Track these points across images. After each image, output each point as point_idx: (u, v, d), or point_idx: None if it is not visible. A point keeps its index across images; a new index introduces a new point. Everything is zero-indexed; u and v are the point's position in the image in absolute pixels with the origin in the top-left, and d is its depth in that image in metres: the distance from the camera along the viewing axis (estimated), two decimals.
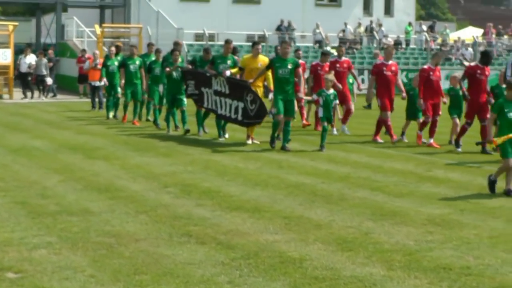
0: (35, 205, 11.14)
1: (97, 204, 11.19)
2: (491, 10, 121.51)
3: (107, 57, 26.11)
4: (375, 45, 46.40)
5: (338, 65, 21.47)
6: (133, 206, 11.06)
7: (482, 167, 15.07)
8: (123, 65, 23.77)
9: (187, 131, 20.12)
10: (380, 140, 19.08)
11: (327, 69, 21.01)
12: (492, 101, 16.75)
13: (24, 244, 8.91)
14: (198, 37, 43.99)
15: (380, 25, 47.87)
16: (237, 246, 8.90)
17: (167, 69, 20.49)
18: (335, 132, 20.40)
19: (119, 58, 25.27)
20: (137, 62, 23.57)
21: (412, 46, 48.52)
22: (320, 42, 44.95)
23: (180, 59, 20.81)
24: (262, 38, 42.31)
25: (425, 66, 18.92)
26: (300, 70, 17.73)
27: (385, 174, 14.20)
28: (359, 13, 50.61)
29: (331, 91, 17.70)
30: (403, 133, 19.22)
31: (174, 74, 20.32)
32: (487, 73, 17.63)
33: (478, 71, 17.55)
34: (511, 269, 8.08)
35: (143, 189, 12.50)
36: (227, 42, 19.85)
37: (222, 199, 11.70)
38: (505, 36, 50.86)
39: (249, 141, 18.28)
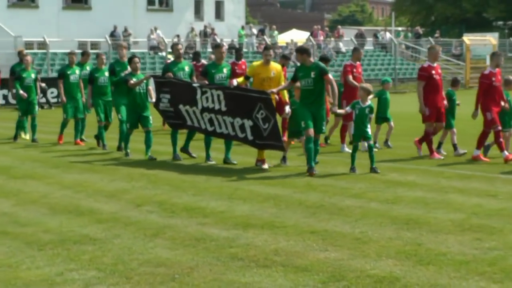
0: (23, 234, 9.85)
1: (92, 230, 10.06)
2: (289, 13, 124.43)
3: (19, 66, 21.22)
4: (209, 49, 45.97)
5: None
6: (135, 230, 10.02)
7: None
8: (63, 75, 19.67)
9: (152, 159, 16.37)
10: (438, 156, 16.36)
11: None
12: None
13: (70, 281, 7.76)
14: (28, 45, 41.89)
15: (212, 29, 47.59)
16: (309, 268, 8.12)
17: (131, 81, 16.43)
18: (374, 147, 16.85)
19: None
20: (77, 72, 19.81)
21: (244, 49, 48.44)
22: (155, 48, 44.04)
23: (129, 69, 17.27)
24: (95, 45, 40.99)
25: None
26: (330, 77, 14.50)
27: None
28: (191, 17, 50.12)
29: (368, 103, 14.66)
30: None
31: (138, 88, 16.63)
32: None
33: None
34: None
35: (120, 209, 11.42)
36: (218, 46, 16.63)
37: (217, 215, 10.82)
38: (332, 39, 51.89)
39: (265, 166, 15.08)
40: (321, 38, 50.51)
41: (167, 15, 49.49)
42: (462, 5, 71.89)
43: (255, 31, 50.47)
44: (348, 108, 15.18)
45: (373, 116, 15.06)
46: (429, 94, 16.11)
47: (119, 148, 17.70)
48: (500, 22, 71.51)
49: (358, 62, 18.37)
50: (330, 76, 14.46)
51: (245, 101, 14.82)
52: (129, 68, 17.24)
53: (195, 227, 10.11)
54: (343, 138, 17.90)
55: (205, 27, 47.94)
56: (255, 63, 15.88)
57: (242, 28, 50.00)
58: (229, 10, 52.49)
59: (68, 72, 19.68)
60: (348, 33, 57.35)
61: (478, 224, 9.90)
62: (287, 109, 15.43)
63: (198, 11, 51.25)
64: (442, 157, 16.19)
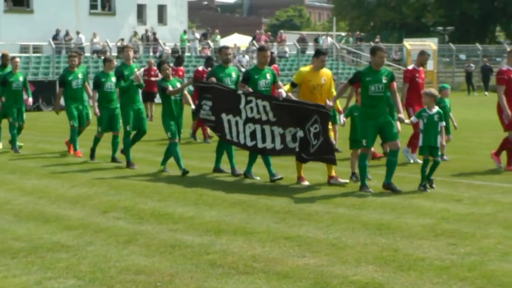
0: None
1: (62, 237, 9.91)
2: (227, 18, 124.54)
3: (2, 70, 19.56)
4: (151, 54, 45.75)
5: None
6: (106, 237, 9.89)
7: None
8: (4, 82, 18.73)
9: (115, 159, 16.37)
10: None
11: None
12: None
13: None
14: None
15: (154, 34, 47.33)
16: (290, 275, 8.08)
17: (170, 88, 14.81)
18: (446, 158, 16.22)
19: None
20: (21, 78, 18.86)
21: (187, 54, 48.34)
22: (99, 52, 43.65)
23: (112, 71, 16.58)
24: (38, 48, 40.50)
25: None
26: (395, 84, 13.18)
27: None
28: (133, 21, 49.78)
29: (435, 109, 13.17)
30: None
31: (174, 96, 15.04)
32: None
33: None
34: None
35: (86, 215, 11.29)
36: (263, 49, 14.56)
37: (187, 221, 10.74)
38: (275, 43, 52.02)
39: (305, 183, 13.76)
40: (264, 42, 50.53)
41: (110, 19, 49.12)
42: (402, 11, 72.84)
43: (197, 35, 50.31)
44: (413, 118, 13.39)
45: (444, 124, 13.26)
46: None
47: (114, 159, 16.68)
48: (440, 28, 72.47)
49: (421, 68, 16.68)
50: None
51: (298, 112, 13.38)
52: (159, 75, 16.51)
53: (167, 233, 10.01)
54: (413, 147, 16.04)
55: (147, 31, 47.61)
56: (304, 69, 14.09)
57: (185, 32, 49.80)
58: (172, 14, 52.33)
59: (11, 80, 18.71)
60: (290, 38, 57.56)
61: (450, 229, 9.98)
62: (342, 119, 14.65)
63: (140, 15, 50.99)
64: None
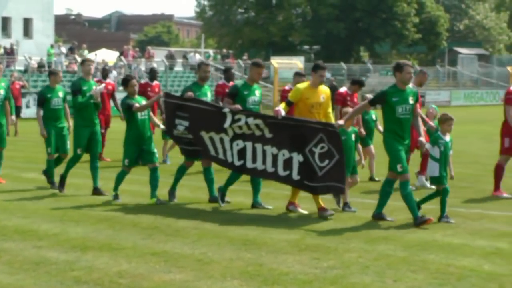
0: None
1: None
2: (95, 33, 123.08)
3: None
4: (16, 67, 44.80)
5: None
6: None
7: None
8: None
9: (161, 203, 13.41)
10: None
11: (355, 99, 15.96)
12: None
13: None
14: None
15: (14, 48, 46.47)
16: None
17: (136, 105, 13.30)
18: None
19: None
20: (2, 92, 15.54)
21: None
22: None
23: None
24: None
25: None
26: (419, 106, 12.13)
27: None
28: None
29: (449, 136, 12.18)
30: None
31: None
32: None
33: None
34: None
35: None
36: (259, 65, 13.14)
37: (52, 238, 10.60)
38: (143, 59, 51.83)
39: (300, 210, 12.61)
40: (132, 58, 50.30)
41: None
42: (269, 29, 73.81)
43: (64, 49, 49.58)
44: (428, 145, 11.97)
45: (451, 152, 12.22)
46: None
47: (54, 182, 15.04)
48: (306, 46, 73.93)
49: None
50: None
51: (300, 130, 12.08)
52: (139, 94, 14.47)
53: (32, 250, 9.85)
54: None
55: (12, 44, 46.60)
56: (301, 86, 12.60)
57: (51, 46, 48.98)
58: (38, 28, 51.38)
59: None
60: (158, 54, 57.48)
61: (313, 244, 10.22)
62: (283, 112, 12.30)
63: (5, 28, 49.83)
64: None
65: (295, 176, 12.14)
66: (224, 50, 65.98)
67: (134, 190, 14.16)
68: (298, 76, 16.75)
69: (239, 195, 13.86)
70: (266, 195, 13.59)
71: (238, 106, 12.52)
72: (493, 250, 9.92)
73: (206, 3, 79.03)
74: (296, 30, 73.91)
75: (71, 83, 14.84)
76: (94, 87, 14.47)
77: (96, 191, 14.31)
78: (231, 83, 16.96)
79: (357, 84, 16.11)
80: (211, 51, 66.24)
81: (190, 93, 13.04)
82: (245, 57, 60.00)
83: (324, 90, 12.53)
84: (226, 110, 12.44)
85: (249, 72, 13.21)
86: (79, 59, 46.96)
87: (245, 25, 76.37)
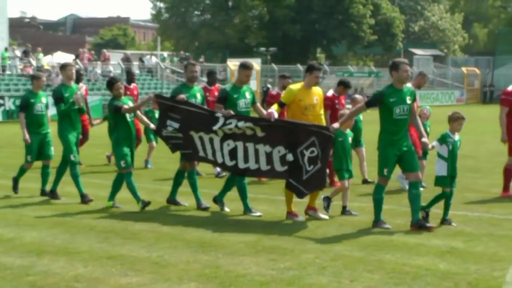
0: None
1: None
2: (51, 36, 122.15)
3: None
4: None
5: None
6: None
7: None
8: None
9: (45, 192, 14.18)
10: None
11: (342, 101, 15.82)
12: None
13: None
14: None
15: None
16: None
17: (125, 106, 13.02)
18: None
19: None
20: None
21: (7, 72, 47.07)
22: None
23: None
24: None
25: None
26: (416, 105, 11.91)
27: None
28: None
29: (457, 136, 11.83)
30: None
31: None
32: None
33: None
34: None
35: None
36: (248, 67, 12.77)
37: (7, 243, 10.56)
38: (99, 62, 51.51)
39: (299, 218, 12.22)
40: (87, 61, 49.97)
41: None
42: (226, 32, 73.81)
43: (18, 53, 49.08)
44: (435, 143, 11.63)
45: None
46: None
47: (44, 192, 14.64)
48: (263, 48, 74.02)
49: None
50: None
51: (293, 131, 11.80)
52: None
53: None
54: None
55: None
56: (294, 87, 12.20)
57: (6, 50, 48.46)
58: None
59: None
60: (114, 57, 57.15)
61: (270, 245, 10.24)
62: (276, 114, 12.02)
63: None
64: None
65: (285, 173, 11.94)
66: (182, 53, 65.81)
67: (92, 194, 14.03)
68: (283, 78, 16.70)
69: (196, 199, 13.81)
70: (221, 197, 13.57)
71: (231, 112, 12.21)
72: (448, 249, 10.01)
73: (162, 5, 78.82)
74: (253, 32, 73.98)
75: (53, 91, 14.36)
76: (78, 92, 13.98)
77: (84, 199, 13.86)
78: (213, 87, 16.85)
79: (342, 85, 15.75)
80: (165, 54, 66.09)
81: (182, 96, 12.69)
82: (201, 60, 59.95)
83: (317, 92, 12.24)
84: (219, 115, 12.19)
85: (237, 75, 12.86)
86: (34, 63, 46.67)
87: (201, 28, 76.31)
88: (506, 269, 8.97)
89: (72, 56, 53.04)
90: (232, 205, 13.18)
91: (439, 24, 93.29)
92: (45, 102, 14.51)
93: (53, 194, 14.23)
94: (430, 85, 70.07)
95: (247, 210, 12.59)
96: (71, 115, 13.97)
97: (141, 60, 57.15)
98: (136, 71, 51.92)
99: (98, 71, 49.33)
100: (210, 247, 10.15)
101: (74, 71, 14.39)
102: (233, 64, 51.91)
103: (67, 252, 9.90)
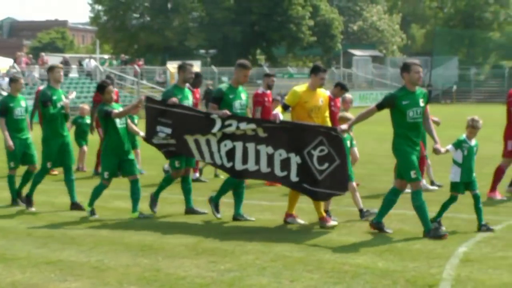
0: None
1: None
2: None
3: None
4: None
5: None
6: None
7: None
8: None
9: (145, 217, 12.65)
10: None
11: (338, 104, 15.50)
12: None
13: None
14: None
15: None
16: None
17: (116, 111, 12.54)
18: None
19: None
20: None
21: None
22: None
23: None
24: None
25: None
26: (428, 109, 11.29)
27: None
28: None
29: (474, 141, 11.33)
30: None
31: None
32: None
33: None
34: None
35: None
36: (246, 67, 12.32)
37: None
38: (37, 66, 50.94)
39: (299, 221, 11.90)
40: (25, 65, 49.37)
41: None
42: (165, 34, 73.51)
43: None
44: (450, 147, 11.17)
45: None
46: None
47: (20, 198, 14.10)
48: (202, 51, 73.88)
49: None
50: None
51: (298, 132, 11.39)
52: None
53: None
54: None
55: None
56: (299, 89, 11.64)
57: None
58: None
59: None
60: (52, 60, 56.55)
61: (210, 247, 10.24)
62: (281, 116, 11.55)
63: None
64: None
65: (294, 177, 11.39)
66: (122, 56, 65.43)
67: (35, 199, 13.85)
68: (267, 77, 16.58)
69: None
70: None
71: (226, 112, 11.75)
72: (386, 247, 10.12)
73: (100, 8, 78.13)
74: (192, 35, 73.84)
75: (40, 93, 13.69)
76: (68, 96, 13.53)
77: (74, 206, 13.48)
78: (196, 90, 16.47)
79: (338, 87, 15.44)
80: (106, 57, 65.65)
81: (174, 99, 12.23)
82: (141, 62, 59.65)
83: (322, 93, 11.77)
84: (215, 116, 11.71)
85: (234, 74, 12.35)
86: None
87: (140, 30, 75.88)
88: (443, 266, 9.10)
89: (10, 60, 52.35)
90: (171, 208, 13.12)
91: (378, 25, 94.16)
92: (24, 106, 13.88)
93: (74, 206, 13.55)
94: (369, 86, 70.79)
95: (238, 215, 12.28)
96: (56, 120, 13.33)
97: (80, 63, 56.65)
98: (75, 74, 51.65)
99: (36, 75, 48.72)
100: (150, 250, 10.12)
101: (62, 74, 13.62)
102: (172, 66, 51.74)
103: (4, 259, 9.77)
